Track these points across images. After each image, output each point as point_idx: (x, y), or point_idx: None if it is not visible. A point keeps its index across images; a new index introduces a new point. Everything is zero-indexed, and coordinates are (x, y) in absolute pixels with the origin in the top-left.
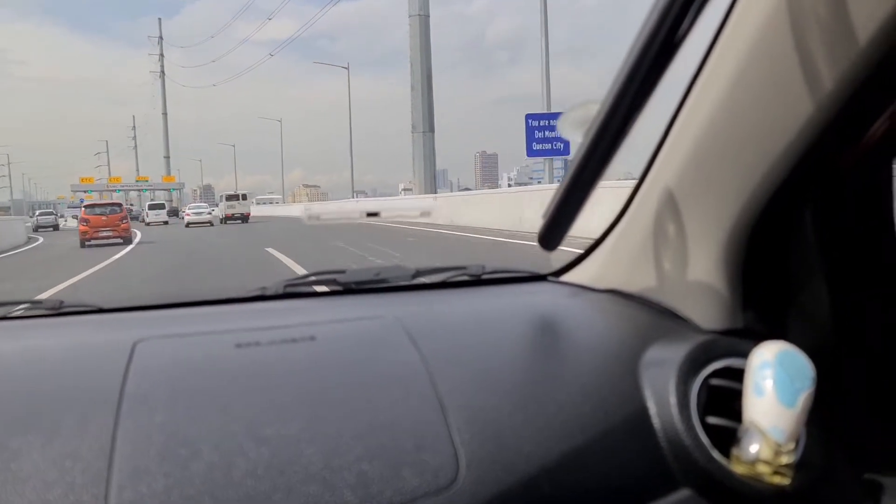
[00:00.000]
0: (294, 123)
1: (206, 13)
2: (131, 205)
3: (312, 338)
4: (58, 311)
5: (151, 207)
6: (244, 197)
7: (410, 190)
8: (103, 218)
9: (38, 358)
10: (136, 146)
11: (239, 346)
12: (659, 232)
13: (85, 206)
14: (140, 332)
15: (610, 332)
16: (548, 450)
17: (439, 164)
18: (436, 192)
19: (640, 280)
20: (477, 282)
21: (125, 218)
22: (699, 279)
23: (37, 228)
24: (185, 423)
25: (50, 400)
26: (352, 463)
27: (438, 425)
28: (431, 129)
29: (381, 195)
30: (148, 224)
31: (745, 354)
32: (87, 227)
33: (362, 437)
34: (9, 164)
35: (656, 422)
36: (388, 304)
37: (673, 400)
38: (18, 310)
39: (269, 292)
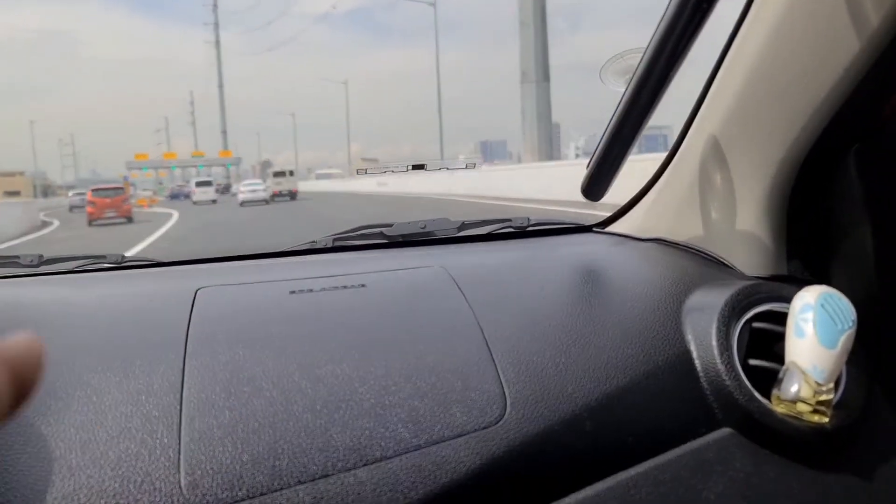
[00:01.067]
0: (351, 97)
1: None
2: (185, 181)
3: (362, 285)
4: (120, 264)
5: (198, 185)
6: (291, 173)
7: (471, 161)
8: (108, 200)
9: (107, 305)
10: (194, 122)
11: (293, 292)
12: (703, 181)
13: (92, 190)
14: (200, 282)
15: (653, 279)
16: (590, 390)
17: (497, 135)
18: (552, 159)
19: (684, 229)
20: (522, 233)
21: (126, 200)
22: (743, 227)
23: (71, 209)
24: (246, 362)
25: (122, 342)
26: (403, 400)
27: (485, 366)
28: (546, 78)
29: (439, 168)
30: (195, 203)
31: (787, 299)
32: (93, 209)
33: (412, 376)
34: (73, 142)
35: (698, 363)
36: (435, 255)
37: (714, 342)
38: (83, 264)
39: (318, 245)
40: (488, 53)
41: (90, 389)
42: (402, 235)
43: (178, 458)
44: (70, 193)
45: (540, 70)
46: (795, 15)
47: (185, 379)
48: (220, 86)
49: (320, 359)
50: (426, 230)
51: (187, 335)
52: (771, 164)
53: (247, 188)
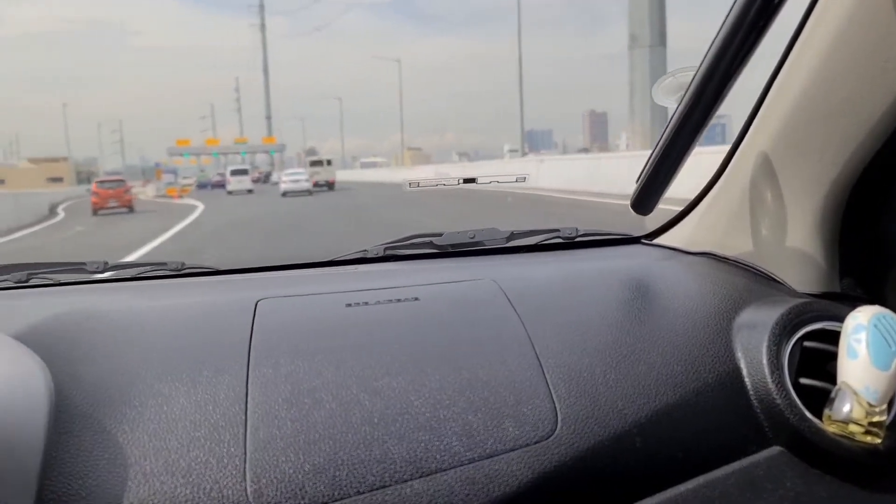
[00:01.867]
0: (394, 87)
1: None
2: (220, 173)
3: (416, 298)
4: (180, 272)
5: (233, 173)
6: (329, 162)
7: (516, 151)
8: (111, 191)
9: (172, 314)
10: (239, 108)
11: (349, 305)
12: (754, 196)
13: (97, 182)
14: (259, 292)
15: (703, 295)
16: (640, 406)
17: (541, 125)
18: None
19: (734, 243)
20: (570, 244)
21: (127, 191)
22: (795, 243)
23: None
24: (306, 374)
25: (188, 352)
26: (457, 414)
27: (537, 382)
28: (662, 42)
29: (484, 158)
30: (230, 192)
31: (840, 318)
32: (97, 199)
33: (465, 391)
34: (121, 129)
35: (748, 381)
36: (485, 266)
37: (765, 360)
38: (145, 270)
39: (370, 254)
40: (532, 42)
41: (161, 398)
42: (452, 245)
43: (244, 467)
44: (95, 180)
45: (655, 32)
46: (851, 34)
47: (249, 389)
48: (265, 70)
49: (377, 371)
50: (475, 240)
51: (250, 346)
52: (823, 182)
53: (289, 178)
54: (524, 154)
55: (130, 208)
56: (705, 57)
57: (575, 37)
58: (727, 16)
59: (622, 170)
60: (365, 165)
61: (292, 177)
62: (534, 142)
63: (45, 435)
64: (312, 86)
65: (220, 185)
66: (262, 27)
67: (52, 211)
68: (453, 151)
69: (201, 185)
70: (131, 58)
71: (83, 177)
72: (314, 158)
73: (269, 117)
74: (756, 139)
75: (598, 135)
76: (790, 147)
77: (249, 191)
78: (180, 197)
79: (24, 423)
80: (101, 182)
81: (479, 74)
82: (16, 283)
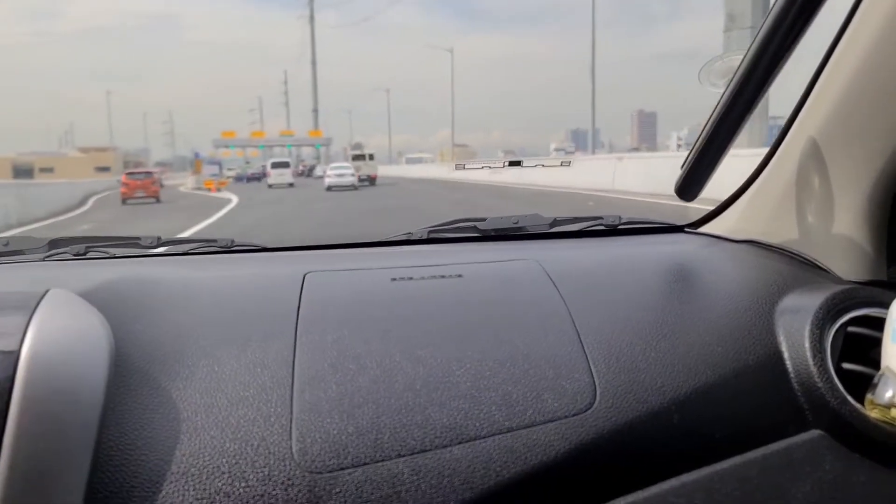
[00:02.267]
0: (441, 83)
1: None
2: (263, 165)
3: (459, 275)
4: (230, 248)
5: (274, 166)
6: (371, 157)
7: (562, 150)
8: (139, 182)
9: (224, 284)
10: (287, 101)
11: (394, 279)
12: (801, 183)
13: (126, 174)
14: (307, 266)
15: (746, 280)
16: (679, 384)
17: (586, 124)
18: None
19: (780, 231)
20: (613, 231)
21: (155, 182)
22: (842, 231)
23: None
24: (351, 342)
25: (239, 318)
26: (497, 385)
27: (576, 357)
28: None
29: (529, 155)
30: (270, 186)
31: (885, 304)
32: (126, 189)
33: (506, 363)
34: (171, 120)
35: (789, 364)
36: (528, 249)
37: (807, 344)
38: (197, 246)
39: (415, 236)
40: (581, 39)
41: (212, 359)
42: (495, 229)
43: (290, 426)
44: (125, 171)
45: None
46: None
47: (297, 354)
48: (314, 62)
49: (420, 341)
50: (519, 224)
51: (298, 314)
52: (871, 170)
53: (334, 171)
54: (601, 151)
55: (157, 199)
56: (754, 40)
57: (624, 37)
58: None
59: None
60: (410, 161)
61: (338, 171)
62: (579, 141)
63: (105, 387)
64: (359, 81)
65: (256, 177)
66: (311, 18)
67: (83, 201)
68: (499, 150)
69: (238, 178)
70: (186, 52)
71: (130, 166)
72: (356, 153)
73: (315, 110)
74: (804, 127)
75: (647, 135)
76: (838, 134)
77: (290, 185)
78: (217, 190)
79: (86, 374)
80: (130, 174)
81: (525, 72)
82: (74, 255)
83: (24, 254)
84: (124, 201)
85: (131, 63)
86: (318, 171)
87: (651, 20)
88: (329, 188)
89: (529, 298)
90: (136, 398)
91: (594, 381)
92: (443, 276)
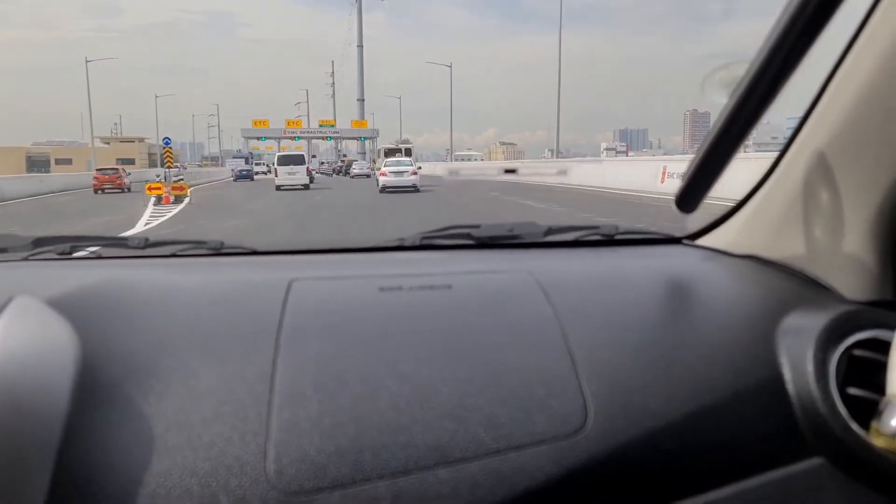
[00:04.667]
0: (487, 82)
1: None
2: (313, 156)
3: (449, 286)
4: (218, 251)
5: (282, 161)
6: (408, 152)
7: (612, 149)
8: (107, 177)
9: (207, 290)
10: (333, 94)
11: (382, 289)
12: (805, 198)
13: (97, 170)
14: (294, 273)
15: (746, 298)
16: (675, 408)
17: (635, 124)
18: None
19: (781, 246)
20: (609, 241)
21: (120, 177)
22: (846, 248)
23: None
24: (335, 356)
25: (219, 328)
26: (485, 404)
27: (568, 375)
28: None
29: (576, 156)
30: (278, 188)
31: (892, 326)
32: (97, 182)
33: (494, 382)
34: (218, 114)
35: (791, 388)
36: (521, 258)
37: (810, 368)
38: (185, 248)
39: (407, 243)
40: (630, 39)
41: (188, 372)
42: (489, 237)
43: (266, 446)
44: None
45: None
46: None
47: (277, 368)
48: (360, 45)
49: (406, 357)
50: (513, 233)
51: (280, 325)
52: (878, 187)
53: (391, 169)
54: (649, 151)
55: (123, 189)
56: (760, 49)
57: (675, 36)
58: (786, 7)
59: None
60: (459, 158)
61: (395, 168)
62: (629, 141)
63: (69, 404)
64: (407, 80)
65: (247, 176)
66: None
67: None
68: (545, 148)
69: (238, 177)
70: (239, 47)
71: (155, 158)
72: (389, 146)
73: (361, 99)
74: (810, 140)
75: (700, 135)
76: (845, 149)
77: (305, 186)
78: (175, 199)
79: (48, 389)
80: (100, 170)
81: (572, 72)
82: (59, 254)
83: (7, 252)
84: (96, 191)
85: (186, 58)
86: (355, 169)
87: (702, 20)
88: (383, 189)
89: (521, 312)
90: (103, 414)
91: (586, 402)
92: (432, 287)
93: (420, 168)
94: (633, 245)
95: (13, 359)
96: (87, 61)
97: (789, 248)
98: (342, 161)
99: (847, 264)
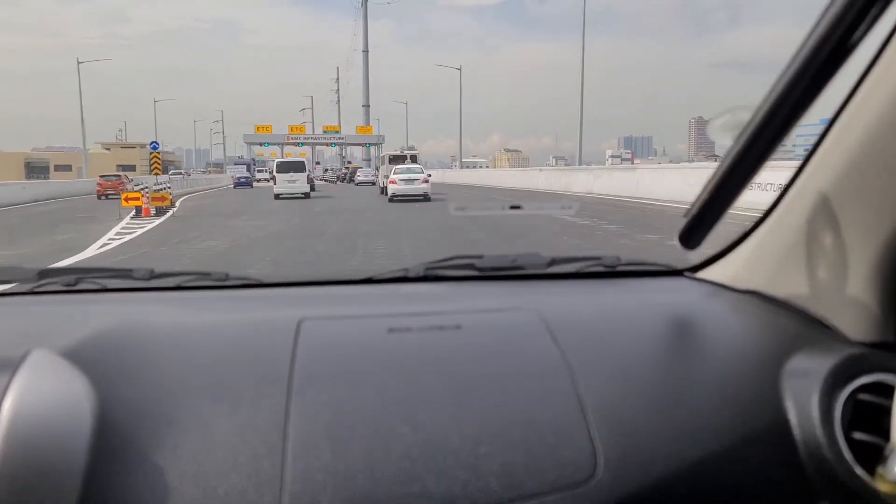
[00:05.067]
0: (492, 88)
1: None
2: (317, 162)
3: (458, 326)
4: (223, 283)
5: (281, 169)
6: (414, 159)
7: (618, 156)
8: (109, 183)
9: (216, 330)
10: (338, 100)
11: (391, 330)
12: (810, 236)
13: (100, 176)
14: (302, 311)
15: (751, 337)
16: (684, 454)
17: (639, 131)
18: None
19: (785, 283)
20: (611, 273)
21: (122, 184)
22: (850, 287)
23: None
24: (347, 402)
25: (230, 372)
26: (496, 452)
27: (577, 421)
28: None
29: (582, 162)
30: (277, 196)
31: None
32: (100, 188)
33: (505, 429)
34: (222, 120)
35: (797, 433)
36: (526, 292)
37: (816, 412)
38: (190, 279)
39: (411, 274)
40: (635, 47)
41: (201, 420)
42: (493, 268)
43: (282, 497)
44: (171, 172)
45: None
46: None
47: (290, 416)
48: (365, 50)
49: (418, 403)
50: (516, 264)
51: (291, 370)
52: (882, 229)
53: (401, 176)
54: (654, 158)
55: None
56: (767, 97)
57: (679, 45)
58: (796, 55)
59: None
60: (465, 165)
61: (405, 175)
62: (634, 148)
63: (87, 458)
64: (411, 87)
65: (247, 183)
66: (364, 2)
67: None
68: (550, 155)
69: (238, 184)
70: (244, 54)
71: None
72: (394, 153)
73: (366, 105)
74: (815, 178)
75: (705, 142)
76: (850, 189)
77: (305, 195)
78: (156, 212)
79: (67, 444)
80: (103, 176)
81: (576, 79)
82: (64, 286)
83: (13, 284)
84: (99, 197)
85: (192, 64)
86: (360, 176)
87: (707, 27)
88: (392, 198)
89: (530, 354)
90: (120, 468)
91: (595, 449)
92: (441, 328)
93: (430, 176)
94: (636, 276)
95: (32, 415)
96: (78, 63)
97: (792, 285)
98: (347, 168)
99: (850, 305)
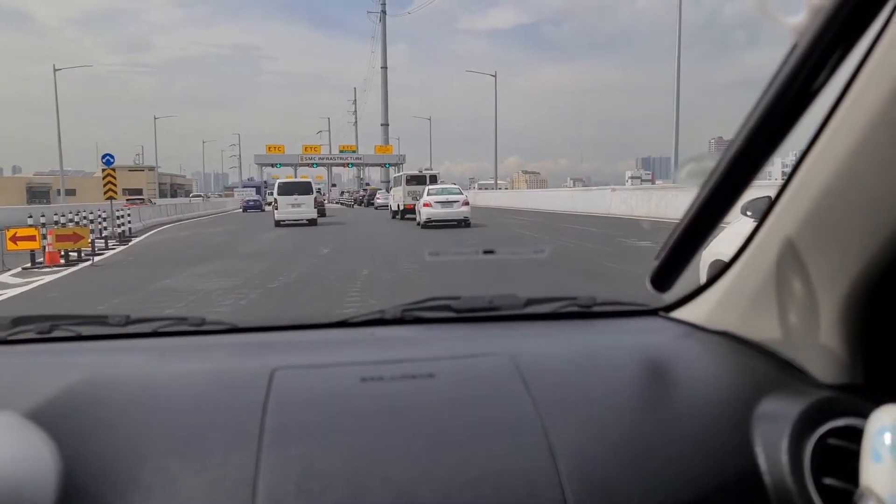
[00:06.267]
0: (510, 111)
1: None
2: (333, 185)
3: (431, 375)
4: (199, 329)
5: (283, 191)
6: (434, 179)
7: (638, 178)
8: (136, 205)
9: (188, 382)
10: (356, 122)
11: (364, 380)
12: (779, 279)
13: (127, 199)
14: (275, 359)
15: (722, 381)
16: None
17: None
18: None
19: (756, 325)
20: (587, 314)
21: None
22: (818, 331)
23: None
24: (317, 456)
25: (200, 426)
26: None
27: (549, 473)
28: None
29: (597, 184)
30: (278, 223)
31: (864, 414)
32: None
33: (476, 480)
34: (239, 144)
35: (768, 480)
36: (501, 336)
37: (785, 459)
38: (166, 325)
39: (388, 316)
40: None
41: (168, 478)
42: (469, 310)
43: None
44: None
45: None
46: (881, 132)
47: (259, 472)
48: (384, 66)
49: (388, 456)
50: (493, 305)
51: (262, 422)
52: (849, 271)
53: (435, 199)
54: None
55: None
56: (733, 142)
57: (697, 66)
58: (758, 102)
59: None
60: (483, 187)
61: (441, 197)
62: (652, 169)
63: None
64: (428, 111)
65: (257, 206)
66: (383, 14)
67: None
68: (567, 177)
69: (246, 208)
70: (262, 79)
71: (164, 188)
72: (412, 173)
73: (385, 124)
74: (781, 220)
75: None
76: (816, 233)
77: (311, 221)
78: (59, 259)
79: None
80: (130, 200)
81: (593, 101)
82: (38, 333)
83: None
84: None
85: (210, 90)
86: (380, 199)
87: (725, 48)
88: (426, 224)
89: (501, 403)
90: None
91: (566, 500)
92: (413, 377)
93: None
94: (611, 318)
95: None
96: (55, 69)
97: (763, 327)
98: (365, 190)
99: (819, 348)
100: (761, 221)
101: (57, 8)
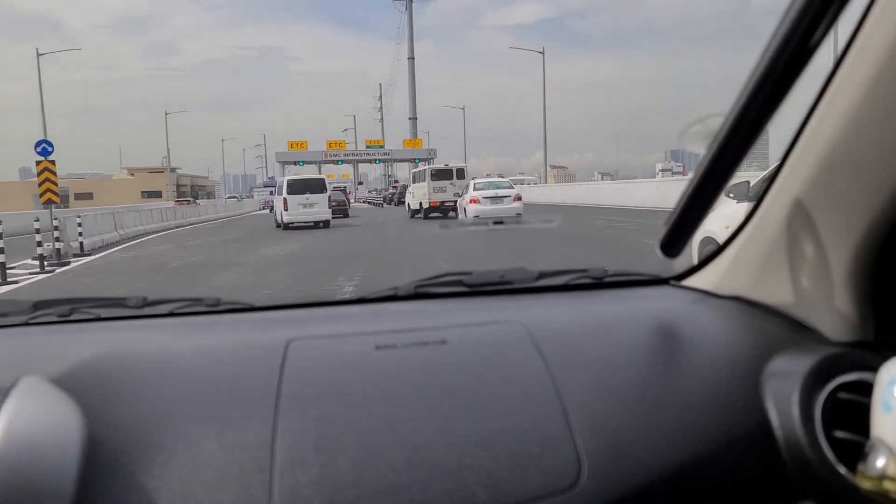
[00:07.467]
0: (534, 105)
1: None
2: (360, 182)
3: (443, 342)
4: (215, 308)
5: (292, 189)
6: (460, 174)
7: (668, 170)
8: (183, 205)
9: (205, 354)
10: (381, 118)
11: (378, 347)
12: (787, 240)
13: (175, 201)
14: (291, 332)
15: (733, 342)
16: (666, 460)
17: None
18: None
19: (765, 288)
20: (598, 284)
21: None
22: (828, 289)
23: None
24: (334, 419)
25: (219, 394)
26: (481, 462)
27: (561, 430)
28: None
29: (624, 177)
30: (286, 226)
31: (874, 368)
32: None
33: (489, 439)
34: (265, 144)
35: (779, 434)
36: (513, 306)
37: (796, 412)
38: (182, 306)
39: (401, 292)
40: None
41: (189, 441)
42: (481, 284)
43: None
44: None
45: None
46: (884, 83)
47: (277, 433)
48: (411, 58)
49: (403, 417)
50: (505, 279)
51: (279, 389)
52: (856, 229)
53: (483, 194)
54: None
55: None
56: (735, 104)
57: (729, 54)
58: (759, 62)
59: None
60: (513, 183)
61: (488, 192)
62: (682, 160)
63: (76, 482)
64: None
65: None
66: (409, 4)
67: None
68: (595, 171)
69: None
70: (288, 80)
71: (184, 190)
72: (438, 167)
73: (413, 118)
74: (788, 183)
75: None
76: (822, 193)
77: (323, 223)
78: None
79: (55, 471)
80: (178, 201)
81: (619, 94)
82: (59, 316)
83: (8, 316)
84: None
85: (237, 92)
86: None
87: (755, 36)
88: (475, 220)
89: (513, 366)
90: (109, 490)
91: (579, 457)
92: (426, 343)
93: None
94: (622, 287)
95: (21, 442)
96: (38, 54)
97: (773, 290)
98: (394, 187)
99: (829, 306)
100: (768, 186)
101: (86, 14)
